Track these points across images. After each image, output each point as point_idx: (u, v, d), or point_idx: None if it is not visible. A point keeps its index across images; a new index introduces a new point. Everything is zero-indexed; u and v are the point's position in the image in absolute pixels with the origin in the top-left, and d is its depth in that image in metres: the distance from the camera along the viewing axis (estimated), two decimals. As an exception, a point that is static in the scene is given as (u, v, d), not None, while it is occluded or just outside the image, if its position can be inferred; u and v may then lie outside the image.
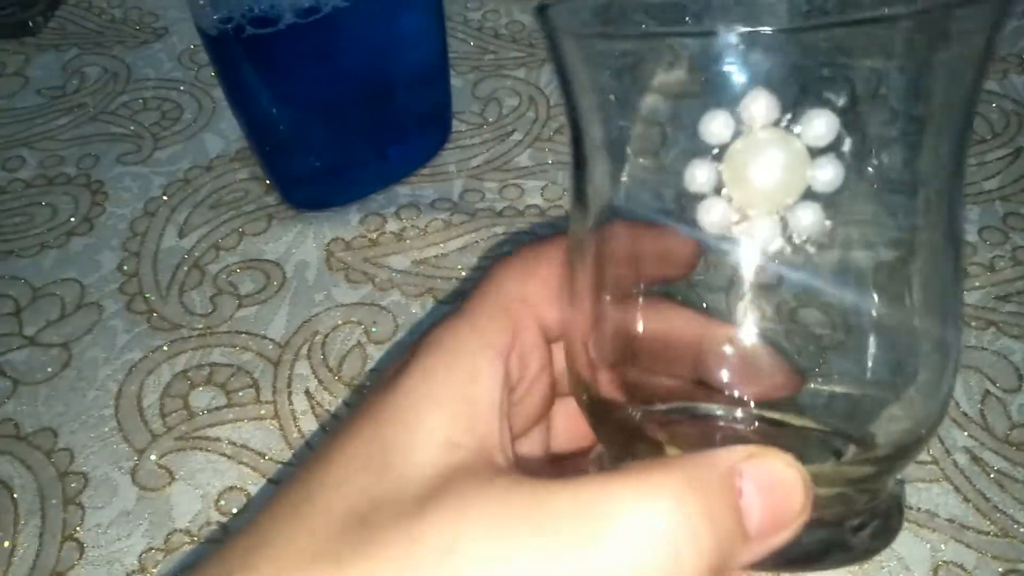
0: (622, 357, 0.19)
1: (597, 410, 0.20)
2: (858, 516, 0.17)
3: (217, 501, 0.27)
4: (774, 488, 0.16)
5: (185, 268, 0.35)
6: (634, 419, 0.19)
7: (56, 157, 0.41)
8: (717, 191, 0.16)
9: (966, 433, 0.29)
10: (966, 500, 0.27)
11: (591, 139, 0.18)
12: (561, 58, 0.17)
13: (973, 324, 0.32)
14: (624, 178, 0.19)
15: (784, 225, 0.16)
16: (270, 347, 0.32)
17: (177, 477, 0.28)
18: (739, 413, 0.18)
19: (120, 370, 0.31)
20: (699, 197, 0.17)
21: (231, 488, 0.28)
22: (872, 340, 0.18)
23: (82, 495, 0.28)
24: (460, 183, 0.38)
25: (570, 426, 0.23)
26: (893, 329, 0.18)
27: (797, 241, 0.16)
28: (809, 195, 0.16)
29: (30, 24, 0.48)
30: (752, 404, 0.18)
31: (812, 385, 0.18)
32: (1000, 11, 0.15)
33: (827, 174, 0.16)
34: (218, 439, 0.29)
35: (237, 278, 0.34)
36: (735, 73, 0.16)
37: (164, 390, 0.30)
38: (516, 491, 0.16)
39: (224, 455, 0.28)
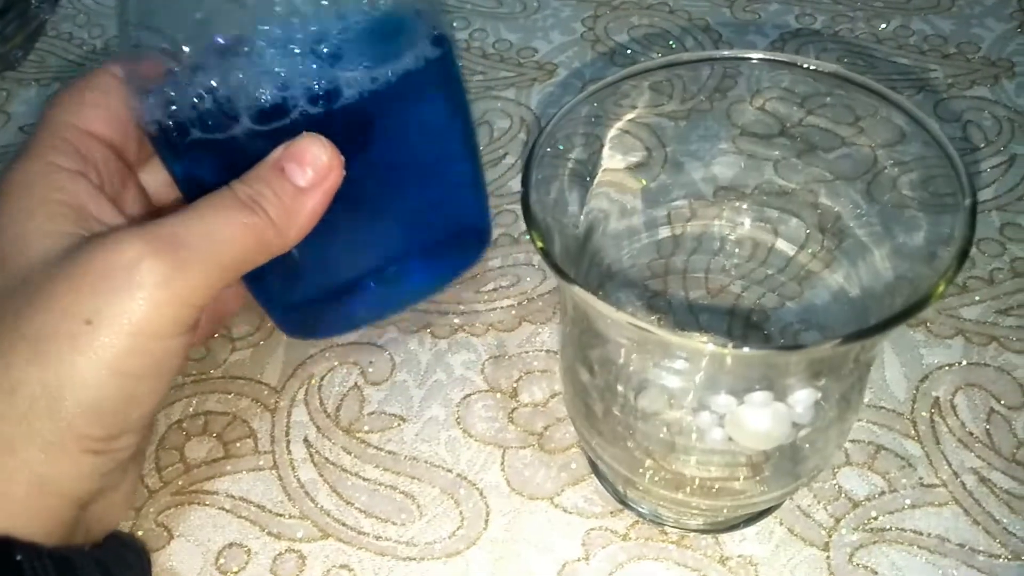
0: None
1: None
2: None
3: (218, 559, 0.27)
4: (305, 153, 0.23)
5: (176, 312, 0.34)
6: None
7: (40, 198, 0.40)
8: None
9: (973, 453, 0.29)
10: (976, 523, 0.27)
11: None
12: None
13: (975, 340, 0.32)
14: None
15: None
16: (265, 392, 0.31)
17: (176, 535, 0.27)
18: None
19: (114, 422, 0.30)
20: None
21: (231, 544, 0.27)
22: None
23: (80, 556, 0.27)
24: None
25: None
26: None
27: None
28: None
29: (10, 58, 0.47)
30: None
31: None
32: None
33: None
34: (216, 492, 0.28)
35: (230, 320, 0.34)
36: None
37: (159, 443, 0.30)
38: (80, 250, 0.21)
39: (223, 509, 0.28)
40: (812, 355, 0.19)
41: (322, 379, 0.31)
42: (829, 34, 0.45)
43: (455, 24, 0.47)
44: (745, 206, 0.30)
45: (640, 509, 0.27)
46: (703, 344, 0.17)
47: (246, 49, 0.23)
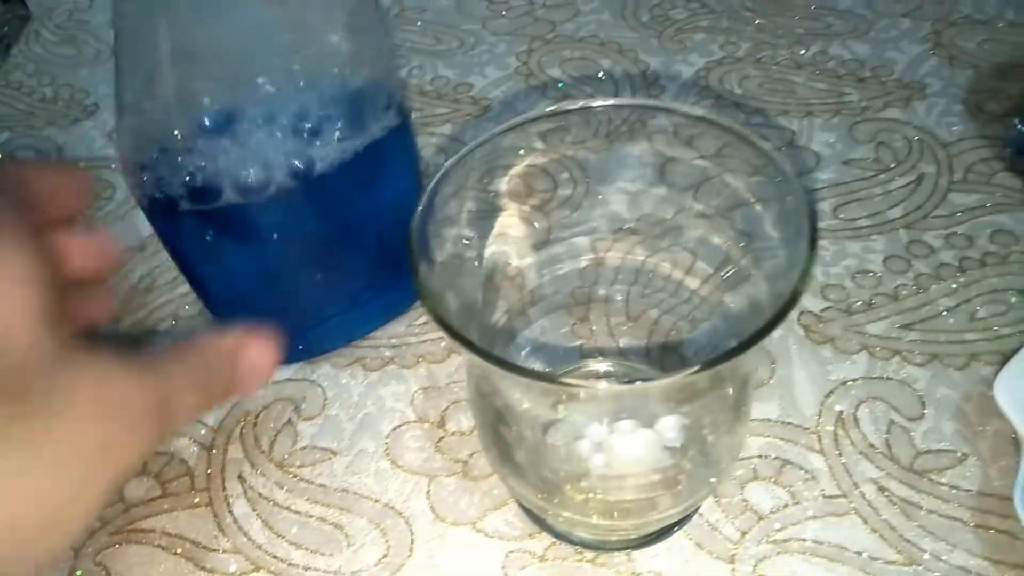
0: None
1: None
2: None
3: (153, 594, 0.28)
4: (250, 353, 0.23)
5: (119, 355, 0.35)
6: None
7: (-9, 246, 0.41)
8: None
9: (873, 464, 0.30)
10: (873, 531, 0.29)
11: None
12: None
13: (879, 355, 0.33)
14: None
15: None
16: (203, 431, 0.32)
17: (113, 573, 0.29)
18: None
19: (57, 466, 0.32)
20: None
21: (166, 580, 0.28)
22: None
23: (22, 598, 0.28)
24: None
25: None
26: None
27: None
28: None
29: (-40, 110, 0.49)
30: None
31: None
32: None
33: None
34: (152, 530, 0.30)
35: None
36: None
37: (100, 483, 0.31)
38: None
39: (159, 546, 0.29)
40: (645, 391, 0.21)
41: (257, 416, 0.33)
42: (752, 61, 0.47)
43: (391, 64, 0.49)
44: (650, 240, 0.31)
45: (557, 531, 0.29)
46: (554, 384, 0.19)
47: (232, 130, 0.26)
